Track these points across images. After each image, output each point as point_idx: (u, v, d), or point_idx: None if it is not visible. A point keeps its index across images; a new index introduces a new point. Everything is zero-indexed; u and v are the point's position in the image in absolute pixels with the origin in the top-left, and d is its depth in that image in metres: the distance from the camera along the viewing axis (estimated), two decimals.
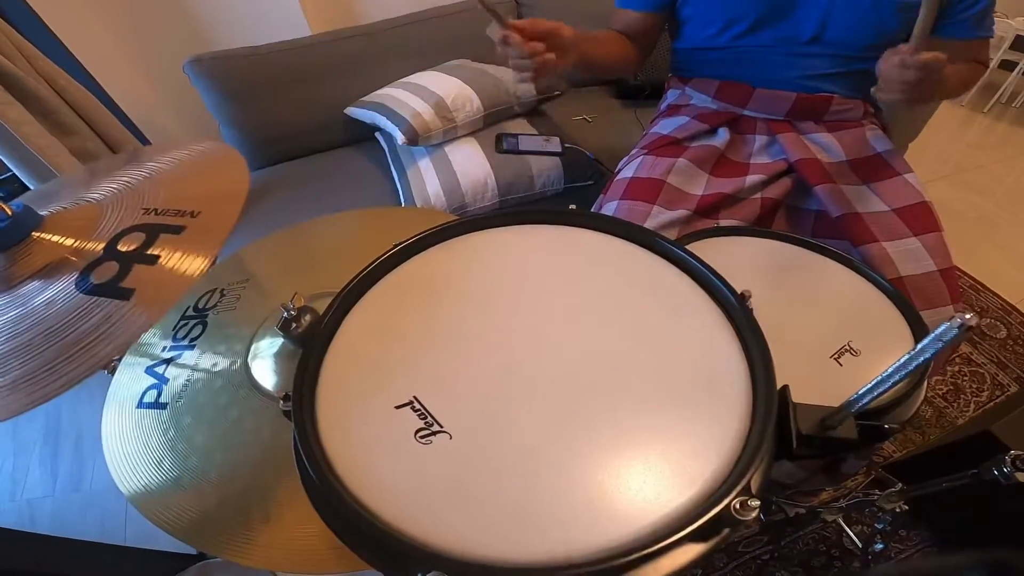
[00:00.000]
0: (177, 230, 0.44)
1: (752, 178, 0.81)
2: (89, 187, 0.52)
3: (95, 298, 0.39)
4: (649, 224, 0.75)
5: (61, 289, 0.41)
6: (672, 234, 0.74)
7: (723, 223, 0.79)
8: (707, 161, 0.84)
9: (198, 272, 0.41)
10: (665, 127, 0.91)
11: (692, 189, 0.80)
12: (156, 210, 0.46)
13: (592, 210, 0.90)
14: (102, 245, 0.44)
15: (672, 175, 0.80)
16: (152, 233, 0.44)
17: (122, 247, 0.43)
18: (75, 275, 0.42)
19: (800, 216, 0.82)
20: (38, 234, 0.45)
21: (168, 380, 0.60)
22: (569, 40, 0.66)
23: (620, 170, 0.90)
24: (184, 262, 0.42)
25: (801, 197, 0.82)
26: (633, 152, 0.91)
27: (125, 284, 0.40)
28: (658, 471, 0.33)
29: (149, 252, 0.42)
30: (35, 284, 0.42)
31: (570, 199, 1.09)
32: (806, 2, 0.76)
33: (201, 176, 0.54)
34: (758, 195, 0.81)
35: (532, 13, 1.56)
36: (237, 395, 0.58)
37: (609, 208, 0.81)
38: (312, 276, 0.72)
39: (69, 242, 0.45)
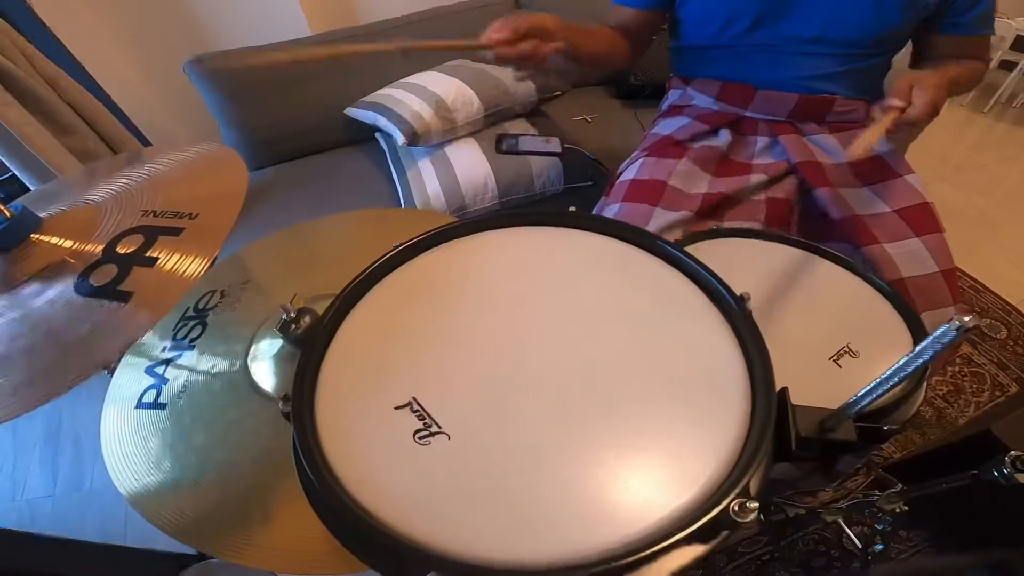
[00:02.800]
0: (176, 232, 0.44)
1: (755, 178, 0.80)
2: (88, 189, 0.52)
3: (94, 300, 0.39)
4: (651, 226, 0.74)
5: (60, 291, 0.41)
6: (675, 236, 0.74)
7: (728, 225, 0.78)
8: (709, 162, 0.83)
9: (196, 274, 0.41)
10: (666, 128, 0.91)
11: (694, 190, 0.80)
12: (155, 212, 0.46)
13: (593, 212, 0.90)
14: (101, 247, 0.44)
15: (673, 177, 0.80)
16: (151, 235, 0.44)
17: (121, 249, 0.43)
18: (74, 277, 0.42)
19: (805, 218, 0.82)
20: (37, 236, 0.45)
21: (168, 380, 0.60)
22: (552, 28, 0.67)
23: (621, 172, 0.90)
24: (183, 264, 0.42)
25: (804, 198, 0.82)
26: (635, 154, 0.91)
27: (124, 287, 0.40)
28: (657, 472, 0.33)
29: (148, 254, 0.42)
30: (34, 286, 0.42)
31: (570, 200, 1.09)
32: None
33: (199, 178, 0.54)
34: (762, 195, 0.80)
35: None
36: (237, 396, 0.58)
37: (611, 211, 0.81)
38: (312, 277, 0.72)
39: (68, 244, 0.45)
